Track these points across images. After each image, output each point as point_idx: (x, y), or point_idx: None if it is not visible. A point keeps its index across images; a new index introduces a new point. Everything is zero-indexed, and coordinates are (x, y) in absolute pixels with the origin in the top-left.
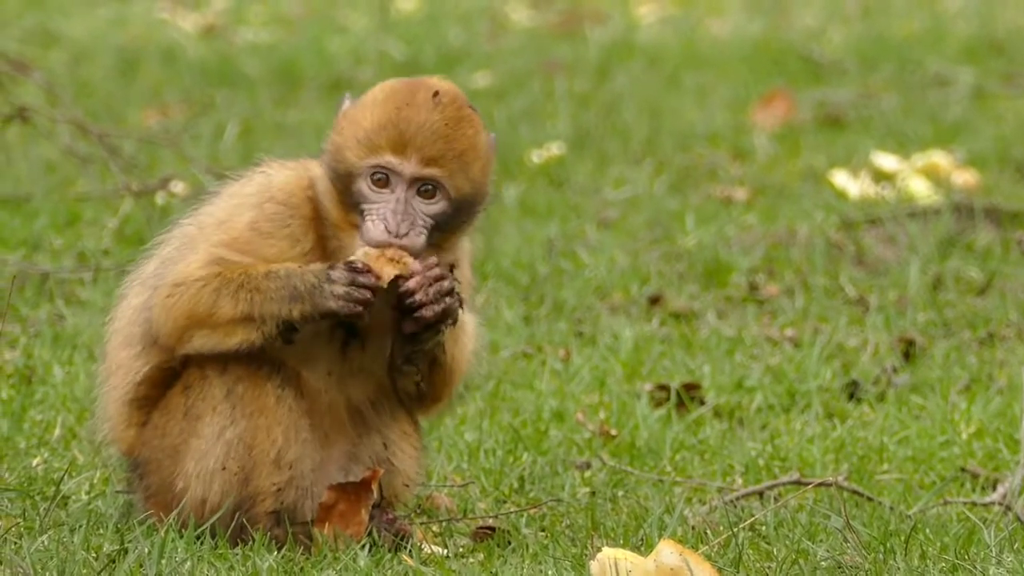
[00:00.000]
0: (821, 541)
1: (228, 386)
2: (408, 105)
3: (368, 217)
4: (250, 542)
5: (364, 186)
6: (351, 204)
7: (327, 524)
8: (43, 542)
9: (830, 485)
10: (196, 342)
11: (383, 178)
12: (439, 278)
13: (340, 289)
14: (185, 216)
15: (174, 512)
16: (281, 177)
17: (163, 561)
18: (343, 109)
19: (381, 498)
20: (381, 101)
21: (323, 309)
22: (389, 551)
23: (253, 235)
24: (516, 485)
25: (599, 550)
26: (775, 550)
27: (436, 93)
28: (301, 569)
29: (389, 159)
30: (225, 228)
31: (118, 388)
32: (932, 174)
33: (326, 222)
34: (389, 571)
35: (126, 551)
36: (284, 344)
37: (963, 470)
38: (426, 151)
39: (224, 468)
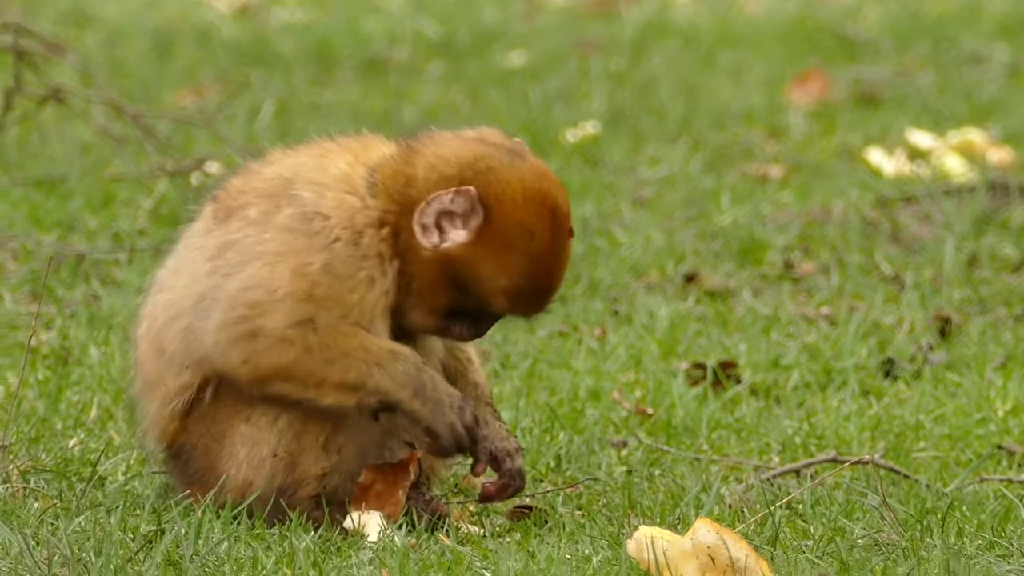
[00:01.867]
0: (858, 519)
1: None
2: (556, 257)
3: (466, 324)
4: (287, 522)
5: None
6: (453, 296)
7: (363, 504)
8: (80, 523)
9: (866, 463)
10: (274, 389)
11: None
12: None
13: (460, 426)
14: (223, 217)
15: (211, 492)
16: (330, 203)
17: (200, 541)
18: (474, 221)
19: (418, 477)
20: (533, 254)
21: (436, 422)
22: (426, 531)
23: (331, 279)
24: (553, 464)
25: (636, 529)
26: (812, 528)
27: (571, 232)
28: (338, 549)
29: (527, 309)
30: (301, 275)
31: (160, 402)
32: (967, 152)
33: (408, 275)
34: (426, 551)
35: (163, 531)
36: (370, 418)
37: (999, 447)
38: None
39: (275, 455)
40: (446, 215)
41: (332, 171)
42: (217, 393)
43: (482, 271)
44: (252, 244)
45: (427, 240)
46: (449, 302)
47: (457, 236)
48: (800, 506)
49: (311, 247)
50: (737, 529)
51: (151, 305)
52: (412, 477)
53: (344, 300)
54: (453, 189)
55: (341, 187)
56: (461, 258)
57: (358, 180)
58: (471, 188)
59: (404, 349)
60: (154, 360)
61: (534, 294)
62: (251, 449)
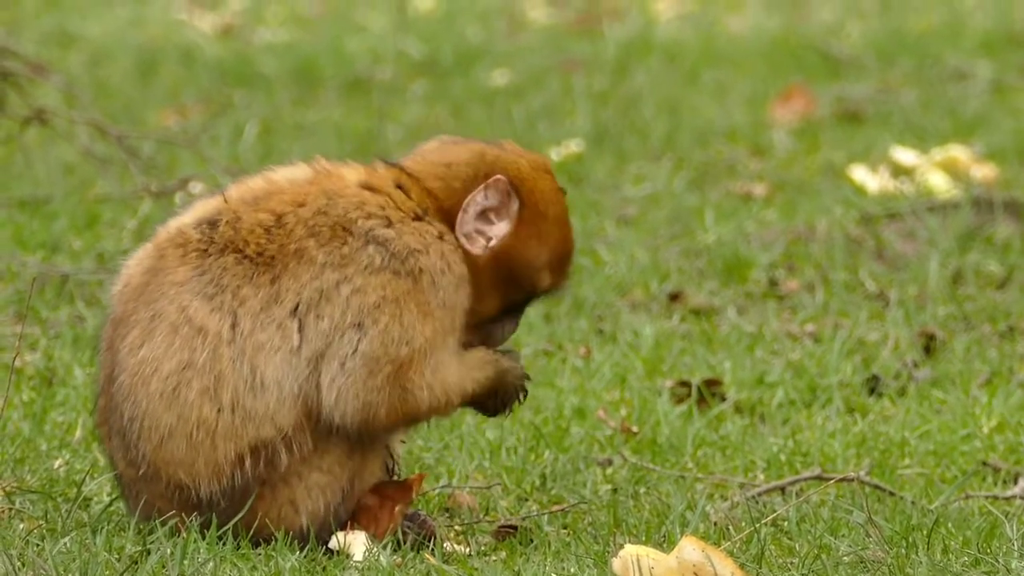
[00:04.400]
0: (843, 536)
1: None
2: (568, 214)
3: (511, 320)
4: (272, 542)
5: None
6: (505, 295)
7: (358, 522)
8: (65, 544)
9: (852, 480)
10: (397, 431)
11: None
12: None
13: (522, 383)
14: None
15: (200, 517)
16: (413, 237)
17: (185, 562)
18: (513, 207)
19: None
20: (560, 219)
21: (508, 397)
22: (412, 550)
23: (445, 313)
24: (538, 483)
25: (621, 547)
26: (797, 545)
27: (563, 190)
28: (323, 569)
29: (564, 277)
30: (426, 315)
31: (218, 449)
32: (951, 168)
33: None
34: (411, 570)
35: (148, 552)
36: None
37: (984, 464)
38: None
39: (343, 491)
40: (481, 216)
41: (378, 200)
42: (290, 443)
43: (529, 253)
44: (352, 295)
45: (476, 247)
46: (501, 303)
47: (500, 229)
48: (785, 523)
49: (421, 286)
50: (723, 547)
51: (187, 358)
52: (413, 498)
53: (454, 327)
54: (482, 186)
55: (406, 215)
56: (509, 249)
57: (407, 201)
58: (500, 177)
59: (476, 352)
60: (214, 411)
61: (568, 258)
62: (320, 494)
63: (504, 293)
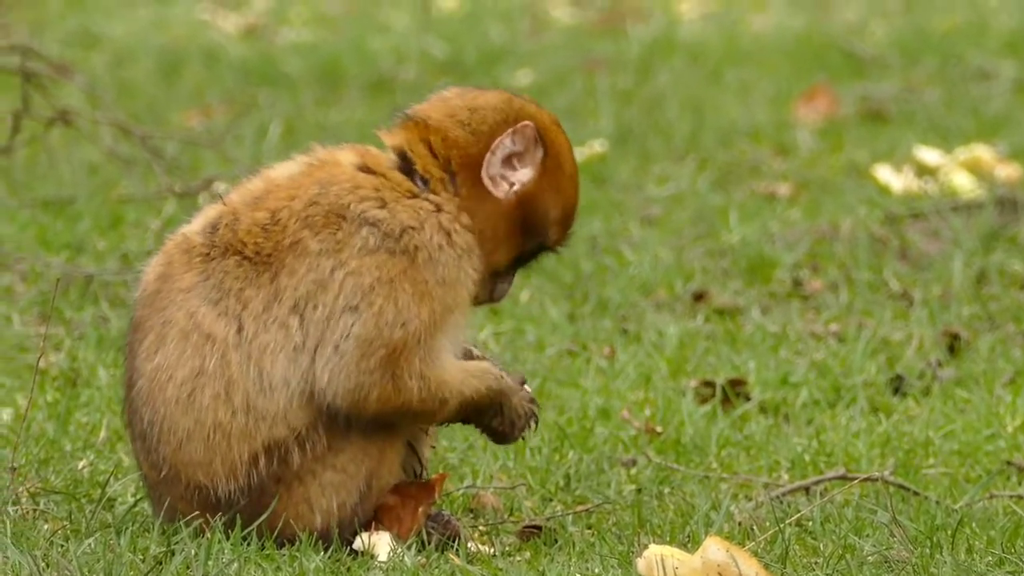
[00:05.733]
0: (868, 536)
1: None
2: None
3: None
4: (295, 542)
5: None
6: (518, 246)
7: (381, 523)
8: (90, 545)
9: (876, 480)
10: (391, 421)
11: None
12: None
13: (529, 411)
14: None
15: (223, 516)
16: (407, 213)
17: (210, 563)
18: (538, 155)
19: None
20: (573, 175)
21: (514, 422)
22: (436, 550)
23: (446, 290)
24: (562, 483)
25: (646, 547)
26: (822, 545)
27: None
28: (348, 569)
29: (569, 233)
30: (423, 295)
31: (234, 449)
32: (975, 168)
33: (480, 253)
34: (436, 570)
35: (173, 553)
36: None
37: (1009, 463)
38: None
39: (360, 491)
40: (507, 161)
41: (372, 182)
42: (303, 441)
43: (548, 202)
44: (347, 278)
45: (500, 190)
46: (513, 254)
47: (524, 175)
48: (810, 523)
49: (417, 264)
50: (747, 547)
51: (199, 365)
52: (436, 499)
53: (457, 303)
54: (511, 130)
55: (401, 195)
56: (530, 196)
57: (404, 180)
58: (529, 123)
59: (481, 363)
60: (228, 414)
61: (575, 215)
62: (334, 493)
63: (516, 244)
